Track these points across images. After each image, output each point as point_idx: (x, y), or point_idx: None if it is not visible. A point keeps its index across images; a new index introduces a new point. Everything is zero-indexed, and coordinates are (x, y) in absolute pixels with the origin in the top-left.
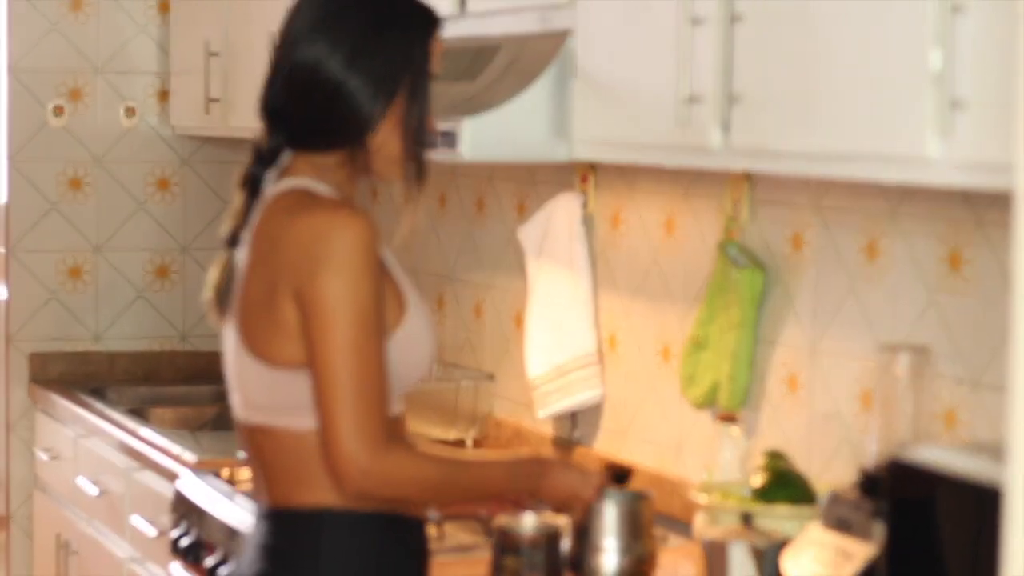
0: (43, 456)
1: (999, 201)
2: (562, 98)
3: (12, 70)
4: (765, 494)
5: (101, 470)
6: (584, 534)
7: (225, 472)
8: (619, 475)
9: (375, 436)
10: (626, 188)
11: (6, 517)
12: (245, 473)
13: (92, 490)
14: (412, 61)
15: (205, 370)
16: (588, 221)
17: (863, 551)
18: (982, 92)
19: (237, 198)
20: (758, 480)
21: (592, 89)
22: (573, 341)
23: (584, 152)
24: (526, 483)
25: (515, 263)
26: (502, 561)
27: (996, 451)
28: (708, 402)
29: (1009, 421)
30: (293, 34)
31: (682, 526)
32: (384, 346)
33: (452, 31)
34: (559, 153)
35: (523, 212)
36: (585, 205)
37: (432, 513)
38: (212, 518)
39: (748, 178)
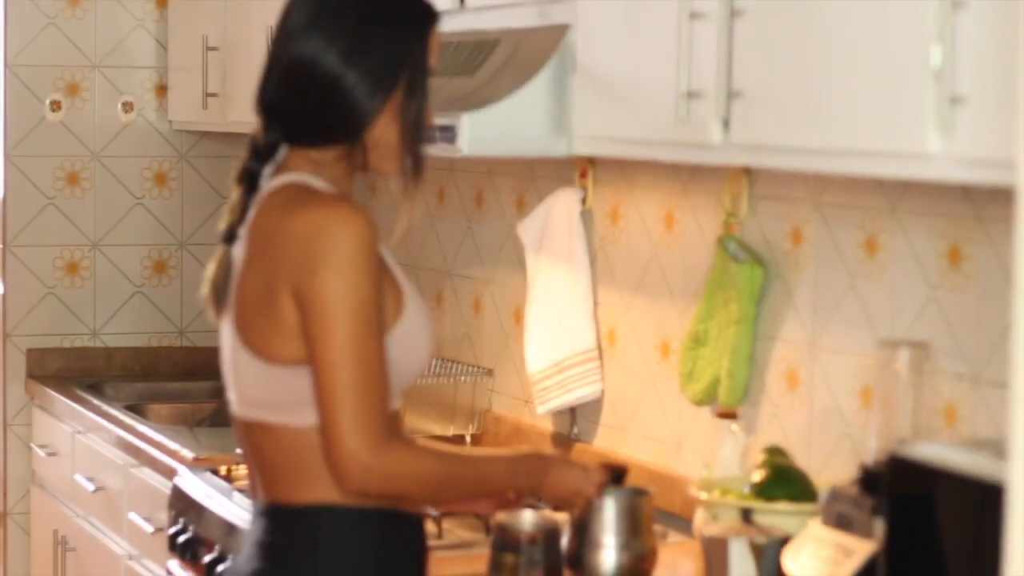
0: (40, 452)
1: (999, 197)
2: (561, 93)
3: (9, 65)
4: (765, 490)
5: (98, 466)
6: (584, 530)
7: (223, 468)
8: (616, 475)
9: (376, 433)
10: (625, 183)
11: (3, 513)
12: (243, 470)
13: (89, 486)
14: (410, 56)
15: (203, 366)
16: (587, 216)
17: (863, 547)
18: (982, 88)
19: (234, 194)
20: (758, 476)
21: (591, 84)
22: (572, 337)
23: (583, 147)
24: (527, 480)
25: (514, 258)
26: (501, 558)
27: (996, 447)
28: (708, 398)
29: (1010, 417)
30: (289, 29)
31: (682, 522)
32: (384, 343)
33: (451, 25)
34: (558, 148)
35: (522, 207)
36: (584, 200)
37: (431, 510)
38: (210, 514)
39: (748, 173)
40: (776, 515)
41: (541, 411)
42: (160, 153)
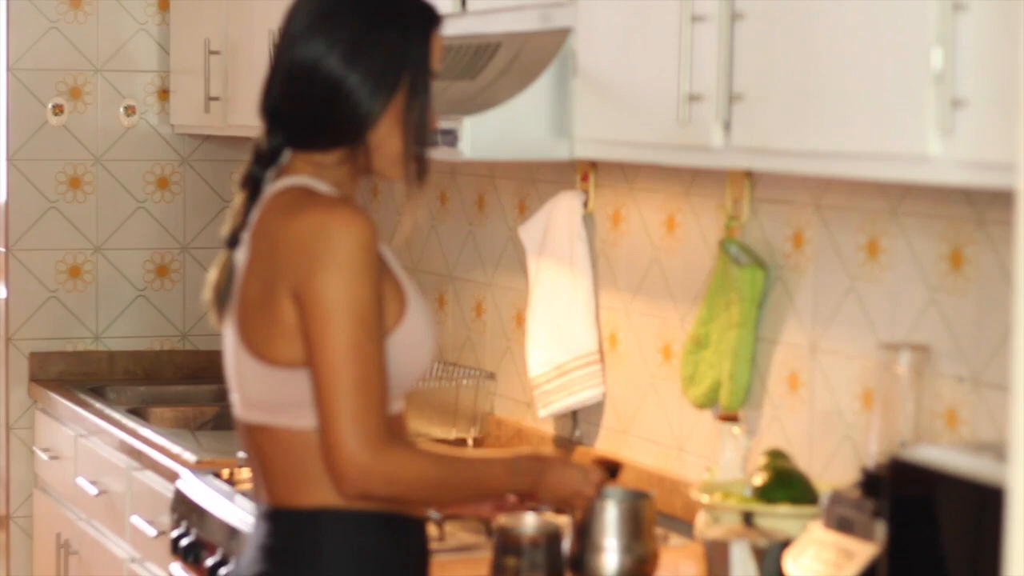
0: (43, 456)
1: (1000, 199)
2: (563, 96)
3: (12, 69)
4: (766, 493)
5: (101, 470)
6: (585, 533)
7: (225, 472)
8: (611, 469)
9: (376, 435)
10: (627, 186)
11: (6, 517)
12: (245, 473)
13: (92, 490)
14: (411, 58)
15: (205, 369)
16: (589, 219)
17: (864, 550)
18: (983, 91)
19: (237, 198)
20: (759, 479)
21: (593, 87)
22: (574, 340)
23: (585, 150)
24: (526, 481)
25: (516, 262)
26: (503, 561)
27: (997, 450)
28: (709, 401)
29: (1011, 420)
30: (291, 32)
31: (683, 526)
32: (384, 345)
33: (453, 29)
34: (560, 151)
35: (524, 211)
36: (586, 203)
37: (433, 512)
38: (212, 518)
39: (749, 176)
40: (777, 518)
41: (543, 414)
42: (162, 157)
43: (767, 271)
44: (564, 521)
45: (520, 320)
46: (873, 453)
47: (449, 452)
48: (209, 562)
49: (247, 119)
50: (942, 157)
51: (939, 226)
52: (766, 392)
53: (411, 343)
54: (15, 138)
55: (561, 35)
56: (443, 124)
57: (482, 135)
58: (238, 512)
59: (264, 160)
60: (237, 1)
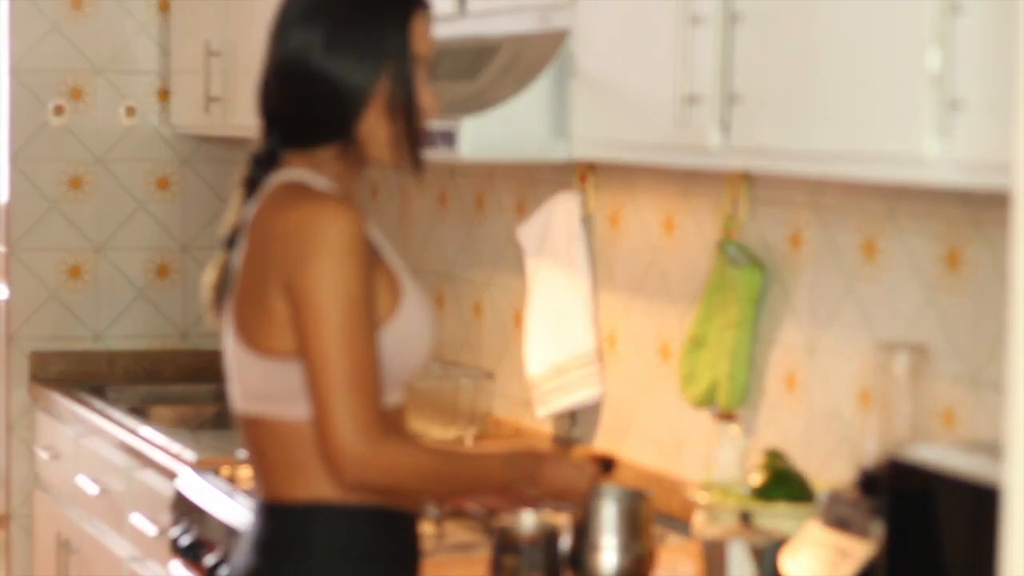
0: (43, 455)
1: (997, 200)
2: (561, 97)
3: (13, 70)
4: (764, 493)
5: (101, 469)
6: (583, 532)
7: (225, 471)
8: (605, 464)
9: (371, 426)
10: (625, 187)
11: (6, 516)
12: (245, 472)
13: (92, 489)
14: (390, 46)
15: (205, 369)
16: (587, 220)
17: (862, 550)
18: (980, 92)
19: (235, 199)
20: (757, 479)
21: (591, 88)
22: (572, 340)
23: (583, 151)
24: (521, 475)
25: (514, 262)
26: (502, 560)
27: (994, 450)
28: (707, 401)
29: (1007, 420)
30: (277, 31)
31: (681, 525)
32: (376, 335)
33: (452, 31)
34: (558, 152)
35: (522, 211)
36: (584, 204)
37: (430, 509)
38: (212, 517)
39: (747, 177)
40: (775, 517)
41: (541, 414)
42: (162, 157)
43: (765, 271)
44: (562, 520)
45: (519, 320)
46: (870, 452)
47: (446, 445)
48: (209, 561)
49: (247, 120)
50: (939, 158)
51: (936, 227)
52: (764, 392)
53: (406, 334)
54: (16, 138)
55: (560, 36)
56: (442, 125)
57: (481, 136)
58: (238, 511)
59: (262, 164)
60: (237, 2)
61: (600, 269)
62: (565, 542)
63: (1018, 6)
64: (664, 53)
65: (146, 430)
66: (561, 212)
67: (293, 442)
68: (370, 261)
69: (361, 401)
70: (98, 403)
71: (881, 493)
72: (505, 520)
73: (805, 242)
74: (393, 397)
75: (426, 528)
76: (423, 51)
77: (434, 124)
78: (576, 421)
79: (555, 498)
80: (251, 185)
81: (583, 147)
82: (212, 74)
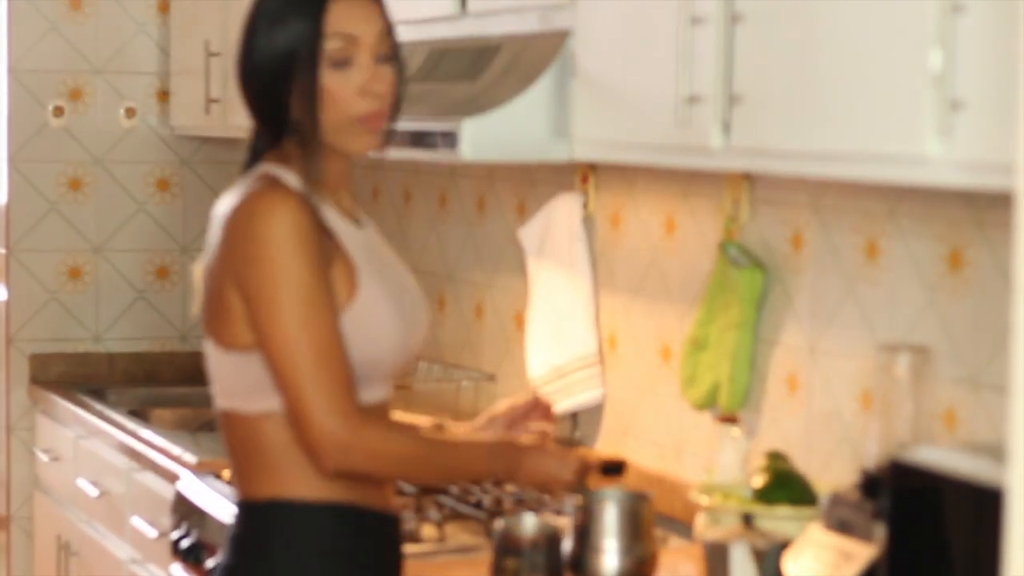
0: (43, 457)
1: (999, 201)
2: (562, 98)
3: (12, 70)
4: (766, 495)
5: (101, 471)
6: (585, 535)
7: (225, 473)
8: (610, 467)
9: (348, 410)
10: (626, 188)
11: (6, 518)
12: None
13: (92, 491)
14: (299, 33)
15: (205, 371)
16: (588, 221)
17: (864, 552)
18: (982, 92)
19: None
20: (759, 481)
21: (592, 89)
22: (574, 341)
23: (584, 152)
24: (504, 465)
25: (515, 263)
26: (503, 562)
27: (996, 451)
28: (708, 403)
29: (1009, 421)
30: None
31: (683, 527)
32: (335, 320)
33: (453, 31)
34: (559, 153)
35: (523, 212)
36: (585, 205)
37: (432, 513)
38: (212, 519)
39: (748, 178)
40: (777, 519)
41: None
42: (162, 158)
43: (766, 272)
44: (564, 522)
45: (520, 321)
46: (872, 454)
47: (429, 433)
48: (209, 563)
49: (247, 121)
50: (941, 159)
51: (938, 228)
52: (765, 393)
53: (367, 321)
54: (16, 139)
55: (561, 37)
56: (443, 126)
57: (482, 137)
58: None
59: (245, 160)
60: (237, 2)
61: (601, 270)
62: (567, 544)
63: (1019, 6)
64: (665, 54)
65: (146, 432)
66: (562, 213)
67: (262, 438)
68: (320, 247)
69: (332, 385)
70: (98, 405)
71: (883, 495)
72: (506, 522)
73: (806, 243)
74: (372, 394)
75: (427, 531)
76: (353, 33)
77: (435, 125)
78: (577, 423)
79: (539, 489)
80: None
81: (584, 148)
82: (212, 75)
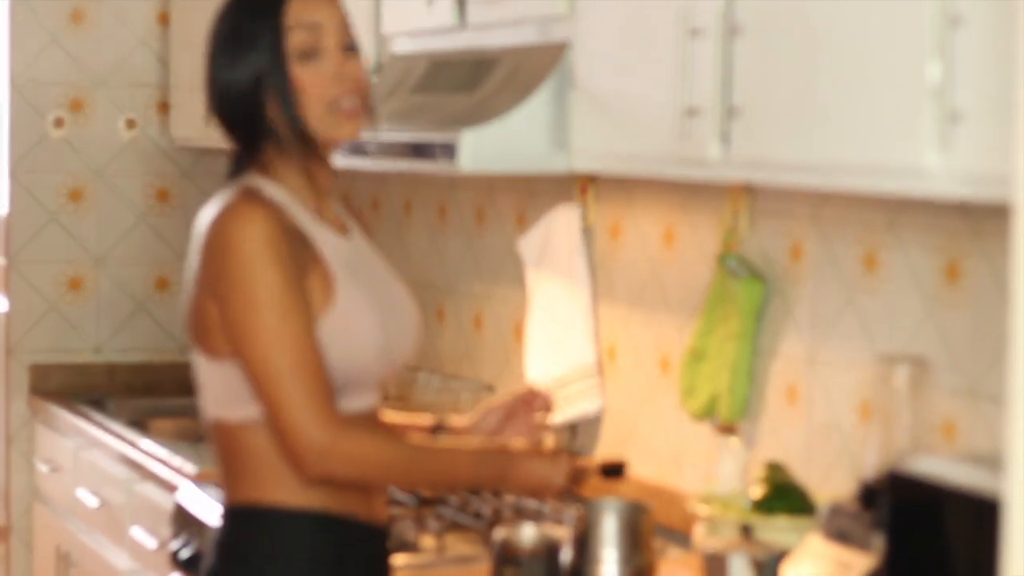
0: (43, 468)
1: (997, 213)
2: (561, 110)
3: (13, 82)
4: (765, 505)
5: (101, 482)
6: (584, 545)
7: None
8: (610, 469)
9: (327, 416)
10: (625, 199)
11: (6, 529)
12: None
13: (92, 502)
14: (262, 35)
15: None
16: (587, 232)
17: (862, 562)
18: (980, 104)
19: None
20: (758, 491)
21: (591, 101)
22: (573, 352)
23: (583, 163)
24: (492, 472)
25: (515, 274)
26: (502, 572)
27: (995, 462)
28: (707, 413)
29: (1008, 432)
30: None
31: (682, 537)
32: (310, 328)
33: (452, 43)
34: (558, 164)
35: (523, 223)
36: (584, 216)
37: (430, 523)
38: (212, 530)
39: (747, 190)
40: (776, 530)
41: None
42: (162, 170)
43: (765, 284)
44: (563, 532)
45: (519, 332)
46: (871, 465)
47: (414, 440)
48: None
49: None
50: (939, 170)
51: (936, 239)
52: (764, 404)
53: (345, 329)
54: (16, 151)
55: (559, 49)
56: (442, 138)
57: (481, 148)
58: None
59: (231, 174)
60: None
61: (600, 281)
62: (565, 554)
63: (1018, 18)
64: (664, 65)
65: (146, 443)
66: (561, 224)
67: (245, 445)
68: (293, 256)
69: (309, 392)
70: (98, 416)
71: (881, 506)
72: (506, 532)
73: (805, 254)
74: (356, 401)
75: (426, 541)
76: (316, 21)
77: (434, 136)
78: (577, 433)
79: (531, 495)
80: None
81: (583, 159)
82: None
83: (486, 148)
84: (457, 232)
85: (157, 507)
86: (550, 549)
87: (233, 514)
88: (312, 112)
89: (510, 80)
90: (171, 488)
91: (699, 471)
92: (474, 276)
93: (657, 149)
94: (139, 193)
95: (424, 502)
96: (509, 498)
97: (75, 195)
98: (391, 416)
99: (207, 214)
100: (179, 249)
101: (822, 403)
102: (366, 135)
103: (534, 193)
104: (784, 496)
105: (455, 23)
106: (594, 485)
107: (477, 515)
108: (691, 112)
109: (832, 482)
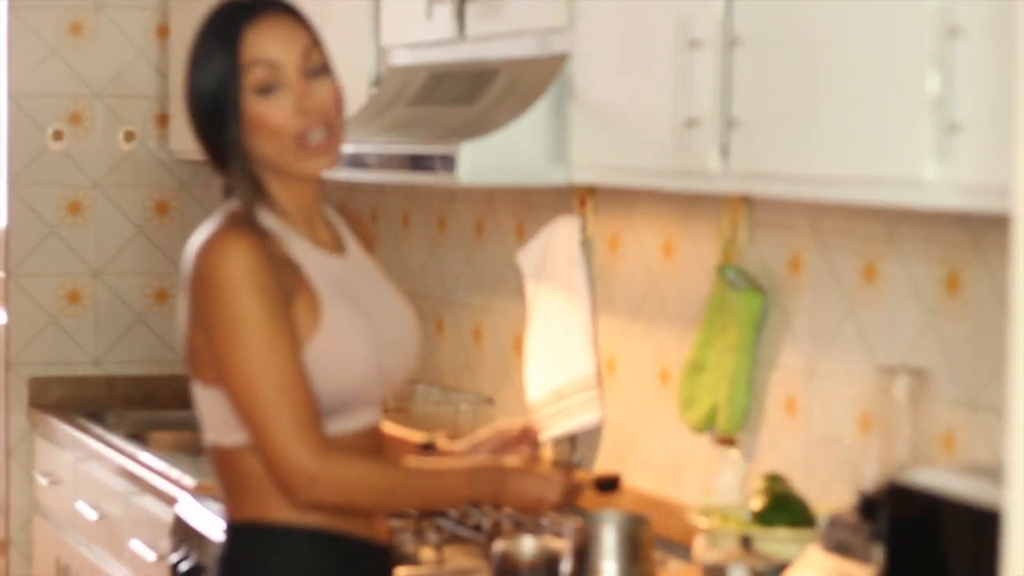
0: (42, 480)
1: (997, 223)
2: (561, 122)
3: (12, 95)
4: (764, 517)
5: (100, 494)
6: (583, 557)
7: None
8: (604, 483)
9: (314, 442)
10: (625, 211)
11: (6, 541)
12: None
13: (91, 514)
14: (219, 63)
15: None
16: (587, 244)
17: (862, 574)
18: (980, 115)
19: None
20: (757, 503)
21: (591, 113)
22: (572, 364)
23: (583, 175)
24: (486, 490)
25: (514, 286)
26: None
27: (995, 473)
28: (707, 425)
29: (1008, 443)
30: None
31: (681, 549)
32: (295, 355)
33: (451, 55)
34: (558, 177)
35: (522, 235)
36: (584, 228)
37: (431, 535)
38: (211, 542)
39: (746, 201)
40: (776, 542)
41: (541, 439)
42: (161, 182)
43: (764, 295)
44: (562, 544)
45: (518, 345)
46: (870, 476)
47: (403, 462)
48: None
49: None
50: (939, 181)
51: (936, 250)
52: (764, 416)
53: (333, 351)
54: (15, 163)
55: (559, 61)
56: (441, 150)
57: (480, 160)
58: None
59: (225, 194)
60: None
61: (599, 293)
62: (565, 567)
63: (1017, 28)
64: (663, 77)
65: (145, 455)
66: (560, 236)
67: (241, 467)
68: (277, 283)
69: (295, 419)
70: (97, 428)
71: (881, 517)
72: (505, 545)
73: (805, 266)
74: (350, 422)
75: (426, 554)
76: (272, 58)
77: (433, 148)
78: (576, 446)
79: (525, 511)
80: None
81: (582, 171)
82: None
83: (485, 160)
84: (456, 244)
85: (156, 520)
86: (550, 561)
87: (235, 531)
88: (277, 146)
89: (509, 92)
90: (170, 501)
91: (699, 483)
92: (473, 288)
93: (656, 161)
94: (138, 205)
95: (423, 514)
96: (509, 510)
97: (74, 208)
98: (387, 428)
99: (194, 243)
100: (178, 261)
101: (822, 414)
102: (364, 148)
103: (533, 205)
104: (784, 508)
105: (454, 35)
106: (589, 499)
107: (477, 527)
108: (690, 124)
109: (832, 494)
